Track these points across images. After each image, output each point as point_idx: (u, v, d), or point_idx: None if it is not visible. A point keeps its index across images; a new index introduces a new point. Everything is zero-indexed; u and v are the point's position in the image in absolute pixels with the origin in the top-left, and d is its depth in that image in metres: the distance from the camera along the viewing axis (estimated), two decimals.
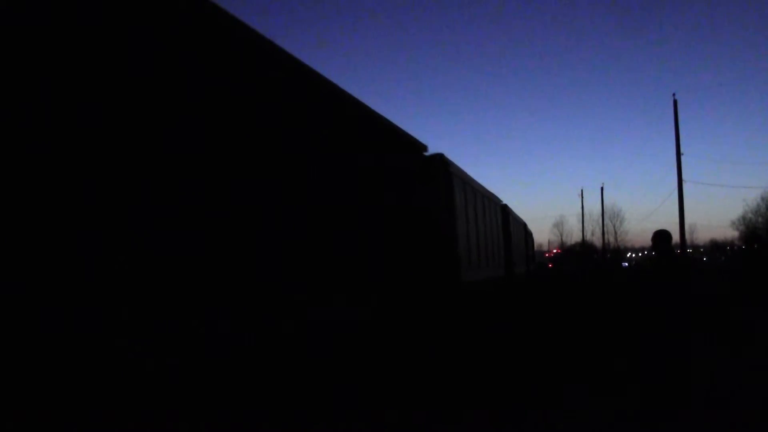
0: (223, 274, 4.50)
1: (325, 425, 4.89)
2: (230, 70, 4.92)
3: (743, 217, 67.91)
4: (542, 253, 75.57)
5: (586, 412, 5.68)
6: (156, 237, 3.98)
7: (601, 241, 63.33)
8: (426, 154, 10.39)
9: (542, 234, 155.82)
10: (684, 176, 31.12)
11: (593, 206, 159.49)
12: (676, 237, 30.70)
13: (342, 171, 6.82)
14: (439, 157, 10.68)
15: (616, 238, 75.07)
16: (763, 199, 63.62)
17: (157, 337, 3.93)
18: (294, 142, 5.74)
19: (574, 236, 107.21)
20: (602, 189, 67.35)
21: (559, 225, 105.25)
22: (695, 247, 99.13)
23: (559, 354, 8.37)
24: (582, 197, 67.85)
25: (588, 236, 70.37)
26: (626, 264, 67.48)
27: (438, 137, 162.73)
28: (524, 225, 28.65)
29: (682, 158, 30.15)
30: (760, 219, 63.88)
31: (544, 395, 6.07)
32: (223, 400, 4.36)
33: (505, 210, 19.91)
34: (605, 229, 62.62)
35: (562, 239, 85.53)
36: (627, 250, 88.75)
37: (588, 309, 13.79)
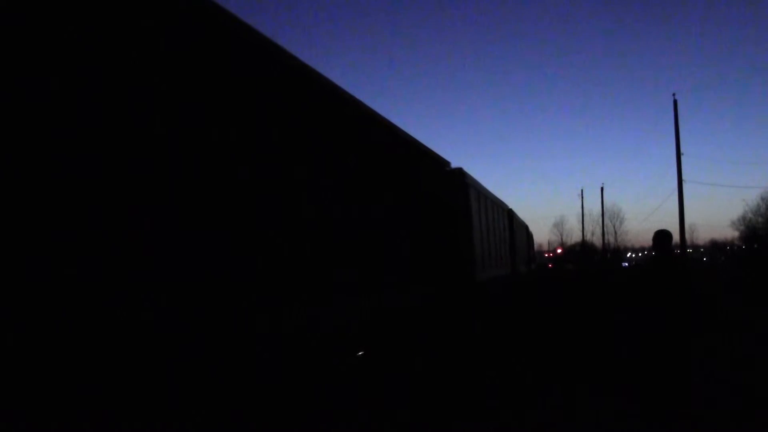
0: (343, 267, 6.59)
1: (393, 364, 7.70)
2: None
3: (743, 217, 67.91)
4: (542, 253, 75.56)
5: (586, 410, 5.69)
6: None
7: (601, 241, 63.38)
8: (448, 168, 12.30)
9: (542, 234, 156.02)
10: (684, 176, 31.20)
11: (593, 206, 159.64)
12: (676, 237, 30.74)
13: (398, 193, 8.89)
14: (459, 171, 12.60)
15: (616, 238, 75.14)
16: (763, 199, 63.60)
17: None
18: (379, 177, 8.14)
19: (574, 236, 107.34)
20: (602, 189, 67.27)
21: (559, 225, 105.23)
22: (695, 247, 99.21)
23: (558, 349, 8.45)
24: (582, 197, 67.83)
25: (588, 236, 70.43)
26: (626, 264, 67.49)
27: (438, 137, 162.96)
28: (526, 227, 29.18)
29: (682, 158, 30.17)
30: (760, 219, 63.83)
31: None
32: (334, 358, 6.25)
33: (511, 214, 21.31)
34: (605, 229, 62.68)
35: (562, 239, 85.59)
36: (627, 250, 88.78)
37: (586, 305, 14.80)
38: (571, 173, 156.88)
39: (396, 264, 8.41)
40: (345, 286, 6.57)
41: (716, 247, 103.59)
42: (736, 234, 74.72)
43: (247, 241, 4.75)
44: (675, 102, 30.55)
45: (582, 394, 6.35)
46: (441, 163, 11.66)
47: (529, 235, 32.52)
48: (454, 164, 12.61)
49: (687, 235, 31.18)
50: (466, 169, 13.04)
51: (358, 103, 7.58)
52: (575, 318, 12.24)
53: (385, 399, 6.17)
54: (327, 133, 6.47)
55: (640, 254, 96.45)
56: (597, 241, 69.31)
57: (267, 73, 5.36)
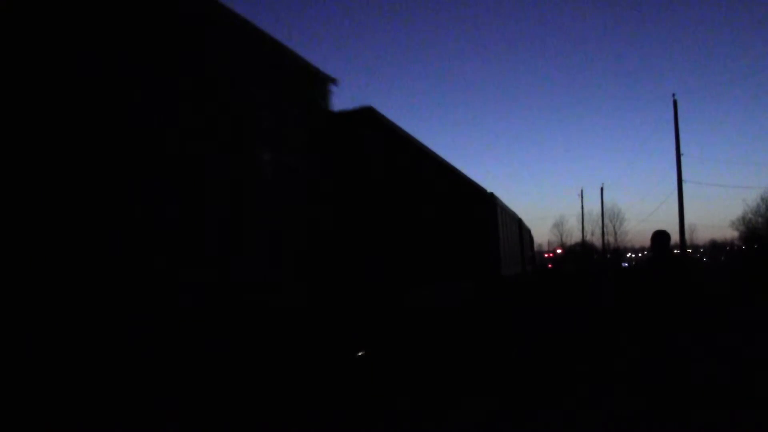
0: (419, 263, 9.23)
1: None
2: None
3: (743, 218, 67.91)
4: (542, 253, 75.41)
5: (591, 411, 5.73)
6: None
7: (601, 241, 63.39)
8: (484, 193, 16.77)
9: (542, 234, 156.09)
10: (684, 176, 31.18)
11: (593, 206, 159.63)
12: (675, 237, 30.74)
13: (460, 215, 13.08)
14: (491, 195, 17.39)
15: (616, 238, 75.16)
16: (763, 199, 63.63)
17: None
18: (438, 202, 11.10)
19: (574, 236, 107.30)
20: (602, 189, 67.37)
21: (559, 225, 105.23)
22: (695, 247, 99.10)
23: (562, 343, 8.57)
24: (582, 197, 67.96)
25: (588, 236, 70.50)
26: (626, 264, 67.44)
27: (438, 137, 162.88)
28: (529, 231, 30.61)
29: (682, 158, 30.18)
30: (760, 219, 63.83)
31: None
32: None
33: (520, 223, 25.27)
34: (605, 229, 62.73)
35: (562, 239, 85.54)
36: (627, 250, 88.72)
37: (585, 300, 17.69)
38: (571, 173, 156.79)
39: (458, 262, 12.41)
40: (444, 274, 10.96)
41: (716, 247, 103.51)
42: (736, 234, 74.70)
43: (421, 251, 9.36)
44: (675, 102, 30.61)
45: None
46: (482, 191, 16.57)
47: (530, 238, 34.43)
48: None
49: (687, 235, 31.20)
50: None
51: (450, 166, 12.29)
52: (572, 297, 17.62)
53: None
54: (431, 185, 10.53)
55: (640, 254, 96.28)
56: (597, 241, 69.39)
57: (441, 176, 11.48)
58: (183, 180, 4.28)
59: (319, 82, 6.52)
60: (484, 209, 16.37)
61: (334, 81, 6.78)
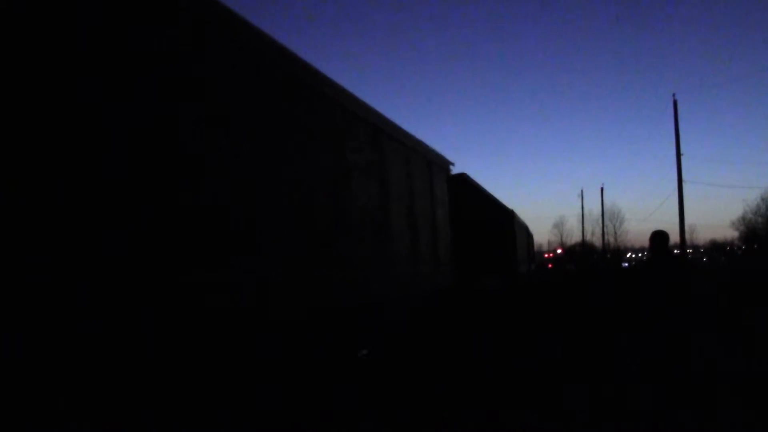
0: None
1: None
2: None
3: (743, 218, 67.83)
4: (542, 253, 75.45)
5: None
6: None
7: (601, 241, 63.38)
8: (507, 210, 21.72)
9: (542, 234, 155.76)
10: (684, 176, 31.12)
11: (593, 206, 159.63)
12: (675, 237, 30.75)
13: (498, 229, 19.56)
14: (512, 212, 22.26)
15: (616, 239, 75.16)
16: (763, 199, 63.53)
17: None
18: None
19: (574, 236, 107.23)
20: (602, 189, 67.26)
21: (559, 225, 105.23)
22: (695, 247, 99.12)
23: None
24: (582, 197, 68.04)
25: (588, 236, 70.51)
26: (626, 264, 67.44)
27: (438, 137, 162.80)
28: (526, 227, 30.78)
29: (682, 158, 30.17)
30: (760, 219, 63.78)
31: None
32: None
33: (528, 230, 29.64)
34: (605, 229, 62.76)
35: (562, 239, 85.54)
36: (627, 250, 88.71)
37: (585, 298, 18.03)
38: (571, 173, 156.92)
39: (497, 261, 18.63)
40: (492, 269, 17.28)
41: (716, 247, 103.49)
42: (736, 234, 74.72)
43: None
44: (675, 102, 30.59)
45: None
46: (507, 209, 21.93)
47: (530, 236, 35.45)
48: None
49: (687, 236, 31.18)
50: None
51: (496, 200, 19.88)
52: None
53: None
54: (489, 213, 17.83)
55: (640, 254, 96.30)
56: (597, 241, 69.38)
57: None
58: (414, 221, 9.56)
59: (446, 164, 12.14)
60: (508, 223, 22.13)
61: (452, 163, 12.57)
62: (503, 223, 20.95)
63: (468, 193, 15.70)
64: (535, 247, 51.44)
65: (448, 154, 12.45)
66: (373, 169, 7.92)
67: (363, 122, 7.81)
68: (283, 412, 5.14)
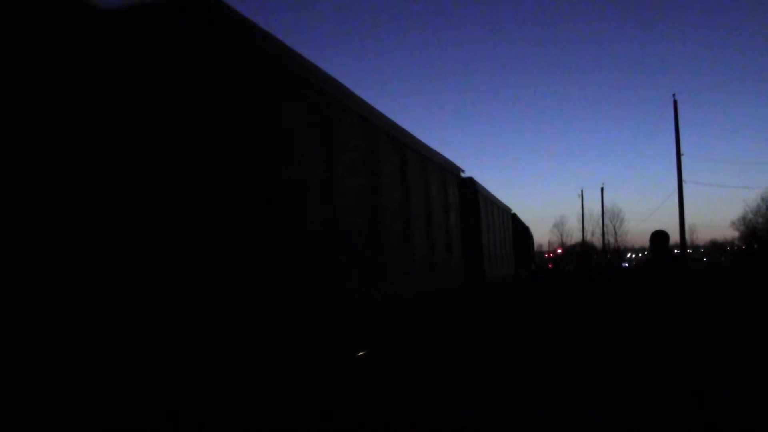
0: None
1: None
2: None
3: (743, 218, 67.69)
4: (542, 253, 75.40)
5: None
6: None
7: (601, 241, 63.31)
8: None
9: (542, 234, 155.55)
10: (684, 176, 31.06)
11: (593, 206, 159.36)
12: (675, 237, 30.72)
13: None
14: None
15: (616, 239, 75.04)
16: (763, 199, 63.39)
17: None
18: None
19: (574, 236, 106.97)
20: (602, 189, 67.10)
21: (559, 225, 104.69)
22: (695, 247, 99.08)
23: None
24: (582, 197, 67.76)
25: (588, 237, 70.35)
26: (626, 264, 67.39)
27: (437, 137, 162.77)
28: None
29: (682, 158, 30.15)
30: (760, 219, 63.66)
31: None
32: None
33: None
34: (605, 229, 62.65)
35: (562, 239, 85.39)
36: (627, 250, 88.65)
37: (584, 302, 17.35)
38: (571, 173, 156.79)
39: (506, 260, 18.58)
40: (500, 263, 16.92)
41: (716, 247, 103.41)
42: (736, 234, 74.60)
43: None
44: (675, 102, 30.57)
45: None
46: (520, 221, 22.32)
47: (529, 236, 33.65)
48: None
49: (687, 236, 31.16)
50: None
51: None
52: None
53: None
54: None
55: (640, 254, 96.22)
56: (597, 241, 69.29)
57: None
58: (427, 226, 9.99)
59: (457, 170, 13.10)
60: (519, 229, 21.48)
61: (462, 170, 13.45)
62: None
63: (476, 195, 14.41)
64: (536, 247, 51.41)
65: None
66: (421, 194, 9.99)
67: (437, 172, 11.15)
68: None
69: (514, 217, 24.22)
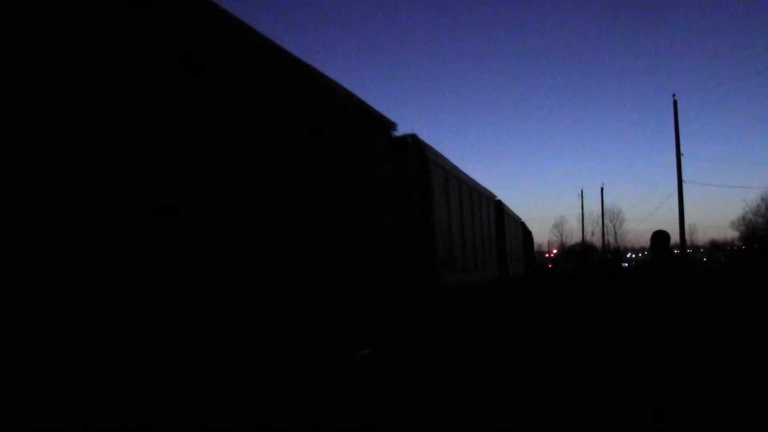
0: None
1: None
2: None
3: (743, 218, 67.80)
4: (542, 253, 75.51)
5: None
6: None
7: (601, 241, 63.33)
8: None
9: (542, 234, 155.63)
10: (684, 176, 31.06)
11: (593, 206, 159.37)
12: (675, 237, 30.71)
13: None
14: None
15: (616, 239, 75.10)
16: (763, 199, 63.51)
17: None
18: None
19: (574, 237, 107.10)
20: (602, 189, 66.97)
21: (559, 225, 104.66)
22: (695, 247, 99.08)
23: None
24: (582, 197, 67.76)
25: (588, 237, 70.37)
26: (626, 264, 67.40)
27: (436, 137, 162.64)
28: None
29: (682, 158, 30.14)
30: (760, 219, 63.77)
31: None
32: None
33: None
34: (605, 229, 62.67)
35: (562, 240, 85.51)
36: (627, 250, 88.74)
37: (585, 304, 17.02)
38: (571, 173, 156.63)
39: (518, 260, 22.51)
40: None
41: (716, 247, 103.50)
42: (736, 234, 74.68)
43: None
44: (675, 102, 30.56)
45: None
46: (527, 227, 24.20)
47: (526, 234, 31.94)
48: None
49: (687, 236, 31.17)
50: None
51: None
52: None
53: None
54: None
55: (640, 254, 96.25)
56: (597, 241, 69.33)
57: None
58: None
59: (492, 195, 17.19)
60: (522, 232, 21.61)
61: (495, 195, 17.03)
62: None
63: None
64: (535, 248, 51.48)
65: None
66: (481, 219, 14.59)
67: (484, 201, 15.55)
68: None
69: (524, 225, 27.94)
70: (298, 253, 5.43)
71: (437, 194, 10.06)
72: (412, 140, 8.91)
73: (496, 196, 18.58)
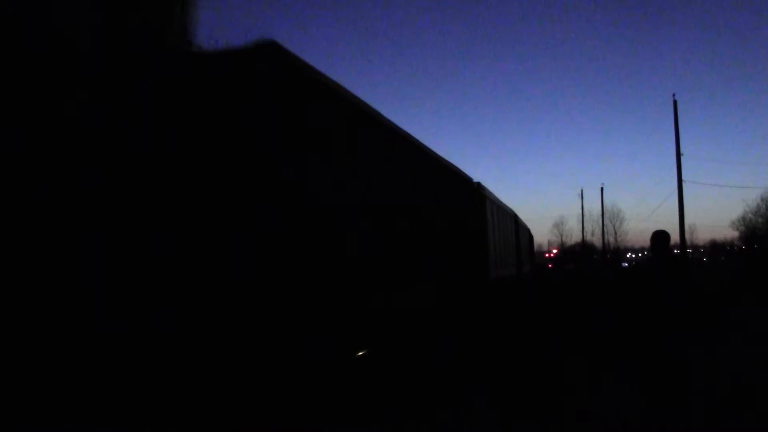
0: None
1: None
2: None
3: (743, 218, 67.70)
4: (542, 253, 75.53)
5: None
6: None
7: (601, 241, 63.37)
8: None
9: (542, 234, 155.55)
10: (684, 176, 31.09)
11: (593, 206, 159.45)
12: (675, 237, 30.72)
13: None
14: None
15: (616, 239, 75.09)
16: (763, 199, 63.44)
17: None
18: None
19: (574, 236, 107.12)
20: (602, 189, 67.13)
21: (559, 225, 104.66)
22: (695, 247, 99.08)
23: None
24: (582, 197, 67.88)
25: (588, 236, 70.41)
26: (626, 264, 67.43)
27: (436, 137, 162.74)
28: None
29: (682, 158, 30.18)
30: (760, 219, 63.71)
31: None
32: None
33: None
34: (605, 229, 62.72)
35: (562, 239, 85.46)
36: (627, 250, 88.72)
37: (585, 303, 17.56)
38: (571, 173, 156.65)
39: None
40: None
41: (716, 247, 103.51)
42: (736, 234, 74.65)
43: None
44: (675, 102, 30.60)
45: None
46: (529, 231, 26.70)
47: (529, 237, 33.18)
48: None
49: (687, 236, 31.20)
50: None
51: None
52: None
53: None
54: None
55: (640, 254, 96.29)
56: (597, 241, 69.33)
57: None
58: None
59: (512, 211, 21.71)
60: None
61: (514, 211, 21.59)
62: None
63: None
64: (536, 248, 51.55)
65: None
66: (508, 230, 18.60)
67: (509, 215, 19.58)
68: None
69: (529, 231, 30.56)
70: (440, 253, 9.93)
71: (488, 217, 16.14)
72: (478, 186, 15.26)
73: (513, 211, 23.74)
